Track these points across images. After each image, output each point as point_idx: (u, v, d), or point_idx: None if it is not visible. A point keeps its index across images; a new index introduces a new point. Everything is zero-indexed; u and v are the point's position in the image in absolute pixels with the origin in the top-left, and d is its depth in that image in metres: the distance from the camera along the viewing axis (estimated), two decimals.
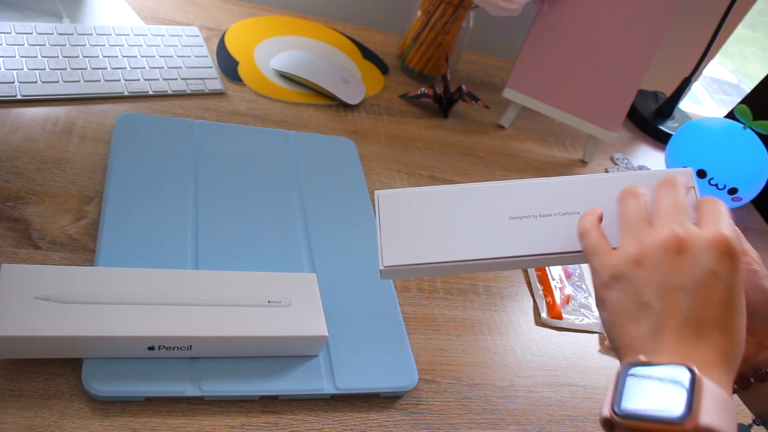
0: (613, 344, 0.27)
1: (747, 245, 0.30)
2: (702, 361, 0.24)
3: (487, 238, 0.29)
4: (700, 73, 0.77)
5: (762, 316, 0.29)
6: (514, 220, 0.30)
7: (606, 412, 0.24)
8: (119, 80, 0.49)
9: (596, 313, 0.49)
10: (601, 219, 0.30)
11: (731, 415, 0.23)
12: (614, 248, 0.28)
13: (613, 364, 0.46)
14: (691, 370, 0.23)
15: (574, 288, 0.50)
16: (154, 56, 0.52)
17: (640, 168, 0.69)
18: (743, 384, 0.30)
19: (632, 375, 0.24)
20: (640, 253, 0.27)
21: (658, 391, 0.23)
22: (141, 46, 0.52)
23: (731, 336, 0.25)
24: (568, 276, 0.51)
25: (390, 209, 0.30)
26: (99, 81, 0.48)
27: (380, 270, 0.30)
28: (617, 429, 0.24)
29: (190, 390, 0.32)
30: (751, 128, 0.61)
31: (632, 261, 0.27)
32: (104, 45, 0.51)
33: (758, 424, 0.30)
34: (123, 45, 0.52)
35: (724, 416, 0.23)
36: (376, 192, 0.31)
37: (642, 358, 0.25)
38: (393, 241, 0.30)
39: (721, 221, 0.27)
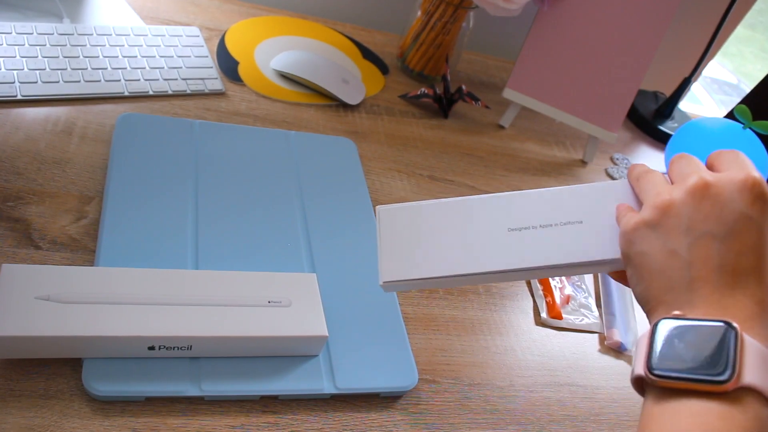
0: (641, 300, 0.26)
1: None
2: (740, 313, 0.23)
3: (487, 251, 0.29)
4: (700, 73, 0.77)
5: None
6: (514, 232, 0.29)
7: (640, 370, 0.23)
8: (119, 80, 0.49)
9: (596, 313, 0.49)
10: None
11: None
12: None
13: (613, 364, 0.46)
14: (731, 326, 0.22)
15: (574, 288, 0.50)
16: (155, 56, 0.52)
17: None
18: None
19: (667, 331, 0.23)
20: (665, 201, 0.25)
21: (696, 348, 0.22)
22: (141, 46, 0.52)
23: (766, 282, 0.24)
24: (568, 276, 0.51)
25: (390, 224, 0.30)
26: (99, 81, 0.48)
27: (380, 285, 0.30)
28: (649, 388, 0.23)
29: (190, 390, 0.32)
30: (750, 128, 0.61)
31: (658, 209, 0.25)
32: (104, 45, 0.51)
33: None
34: (123, 45, 0.52)
35: (766, 373, 0.22)
36: (377, 207, 0.31)
37: (676, 312, 0.23)
38: (393, 256, 0.30)
39: (747, 165, 0.25)
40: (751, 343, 0.22)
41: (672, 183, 0.27)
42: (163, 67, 0.52)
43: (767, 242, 0.24)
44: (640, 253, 0.25)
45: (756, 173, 0.25)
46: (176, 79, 0.51)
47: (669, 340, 0.23)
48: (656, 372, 0.23)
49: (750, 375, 0.21)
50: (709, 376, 0.22)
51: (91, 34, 0.51)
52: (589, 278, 0.52)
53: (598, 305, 0.49)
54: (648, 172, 0.28)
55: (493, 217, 0.30)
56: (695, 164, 0.27)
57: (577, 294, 0.49)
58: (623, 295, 0.51)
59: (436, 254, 0.29)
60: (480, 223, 0.30)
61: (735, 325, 0.22)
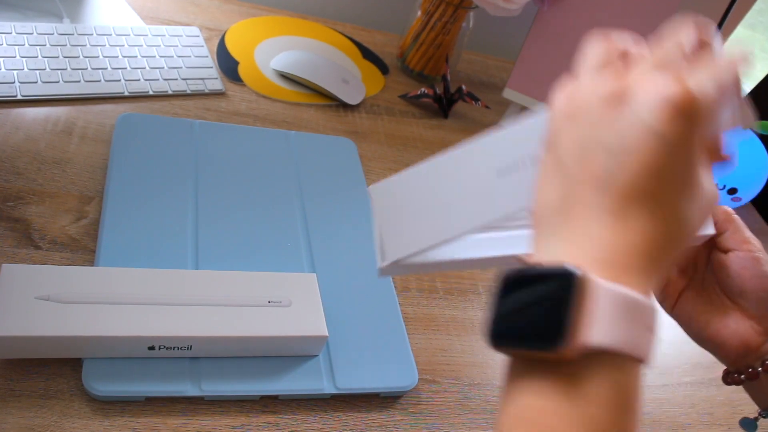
0: (532, 215, 0.21)
1: (748, 233, 0.29)
2: (615, 248, 0.18)
3: (481, 202, 0.26)
4: None
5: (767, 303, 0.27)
6: (504, 176, 0.26)
7: (484, 331, 0.18)
8: (119, 80, 0.49)
9: None
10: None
11: (642, 323, 0.17)
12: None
13: None
14: (568, 274, 0.17)
15: None
16: (155, 56, 0.52)
17: None
18: (750, 375, 0.27)
19: (509, 280, 0.18)
20: (576, 103, 0.20)
21: (531, 305, 0.17)
22: (141, 46, 0.52)
23: (666, 217, 0.19)
24: None
25: (384, 200, 0.28)
26: (99, 81, 0.48)
27: (379, 268, 0.28)
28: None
29: (190, 390, 0.32)
30: (750, 128, 0.61)
31: (566, 114, 0.20)
32: (104, 45, 0.51)
33: (765, 417, 0.29)
34: (123, 45, 0.52)
35: (628, 327, 0.17)
36: (369, 188, 0.29)
37: (525, 257, 0.19)
38: (392, 233, 0.28)
39: (703, 74, 0.19)
40: (606, 292, 0.17)
41: (595, 68, 0.21)
42: (163, 67, 0.52)
43: (680, 168, 0.19)
44: (543, 159, 0.21)
45: (698, 86, 0.19)
46: (176, 79, 0.51)
47: (508, 293, 0.18)
48: (492, 337, 0.18)
49: (598, 333, 0.16)
50: (541, 343, 0.17)
51: (91, 34, 0.51)
52: None
53: None
54: (597, 41, 0.22)
55: (479, 167, 0.26)
56: (659, 56, 0.20)
57: None
58: None
59: (436, 220, 0.27)
60: (469, 175, 0.27)
61: (573, 270, 0.17)
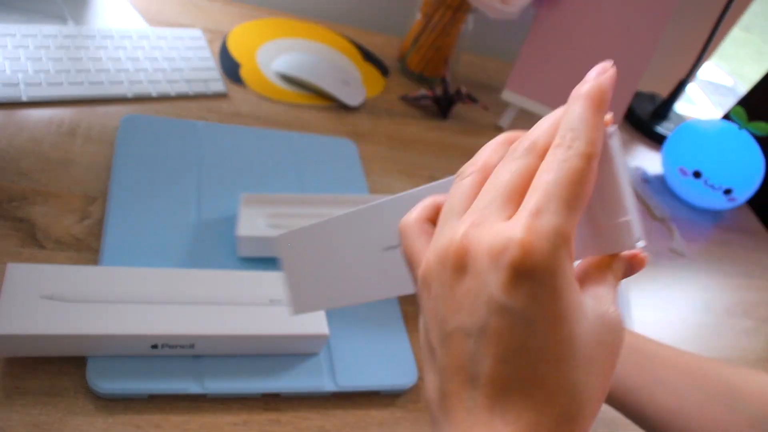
0: None
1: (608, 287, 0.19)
2: None
3: (374, 276, 0.24)
4: (696, 75, 0.78)
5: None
6: (390, 251, 0.23)
7: None
8: (123, 82, 0.50)
9: None
10: (435, 210, 0.20)
11: None
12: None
13: None
14: None
15: None
16: (158, 59, 0.53)
17: (637, 169, 0.70)
18: None
19: None
20: (426, 267, 0.18)
21: None
22: (144, 48, 0.53)
23: (550, 396, 0.16)
24: None
25: (291, 250, 0.27)
26: (103, 83, 0.49)
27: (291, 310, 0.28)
28: None
29: (192, 387, 0.33)
30: (746, 129, 0.62)
31: (422, 278, 0.18)
32: (108, 47, 0.51)
33: None
34: (126, 47, 0.52)
35: None
36: (276, 236, 0.27)
37: None
38: (299, 285, 0.27)
39: (527, 209, 0.16)
40: None
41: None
42: (165, 69, 0.52)
43: (542, 342, 0.16)
44: (419, 329, 0.19)
45: (527, 229, 0.16)
46: (179, 81, 0.52)
47: None
48: None
49: None
50: None
51: (95, 37, 0.52)
52: None
53: None
54: (460, 175, 0.19)
55: (368, 234, 0.24)
56: (466, 195, 0.18)
57: None
58: (621, 294, 0.51)
59: (342, 283, 0.26)
60: (362, 241, 0.24)
61: None
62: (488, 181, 0.18)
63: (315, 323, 0.35)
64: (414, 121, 0.61)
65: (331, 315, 0.37)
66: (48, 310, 0.31)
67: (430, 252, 0.18)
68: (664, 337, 0.51)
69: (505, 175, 0.18)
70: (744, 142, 0.62)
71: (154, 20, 0.58)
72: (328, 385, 0.35)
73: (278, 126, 0.53)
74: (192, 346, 0.33)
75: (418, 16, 0.63)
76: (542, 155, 0.18)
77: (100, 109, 0.48)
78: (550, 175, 0.16)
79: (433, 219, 0.20)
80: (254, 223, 0.40)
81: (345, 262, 0.25)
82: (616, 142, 0.18)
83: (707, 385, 0.30)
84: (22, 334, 0.30)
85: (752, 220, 0.70)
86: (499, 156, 0.19)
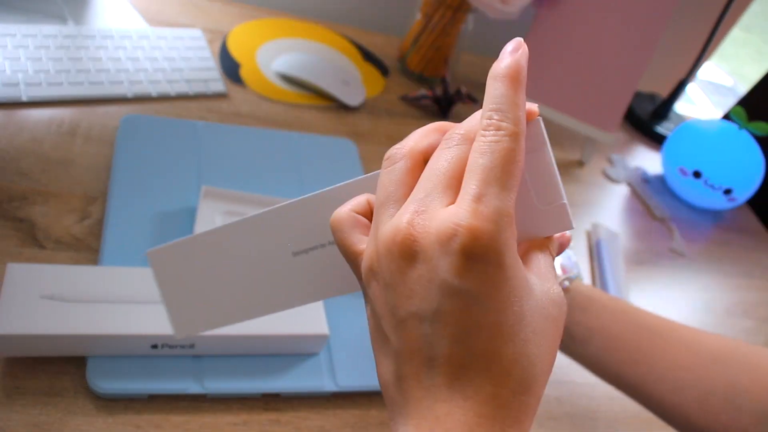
0: None
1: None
2: (459, 425, 0.16)
3: (277, 286, 0.23)
4: (696, 75, 0.78)
5: None
6: (300, 256, 0.22)
7: None
8: (123, 82, 0.50)
9: None
10: (367, 204, 0.20)
11: None
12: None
13: None
14: None
15: None
16: (157, 59, 0.53)
17: (637, 169, 0.70)
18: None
19: None
20: (371, 256, 0.18)
21: None
22: (144, 48, 0.53)
23: (506, 368, 0.17)
24: (565, 273, 0.51)
25: (167, 268, 0.24)
26: (103, 83, 0.49)
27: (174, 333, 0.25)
28: None
29: (193, 387, 0.33)
30: (746, 129, 0.62)
31: (367, 268, 0.18)
32: (108, 47, 0.51)
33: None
34: (126, 47, 0.52)
35: None
36: (147, 252, 0.24)
37: None
38: (180, 306, 0.24)
39: (469, 193, 0.17)
40: None
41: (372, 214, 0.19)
42: (165, 69, 0.52)
43: (493, 320, 0.17)
44: (367, 319, 0.19)
45: (474, 212, 0.16)
46: (179, 81, 0.52)
47: None
48: None
49: None
50: None
51: (95, 37, 0.52)
52: (587, 277, 0.52)
53: None
54: (389, 160, 0.20)
55: (274, 239, 0.22)
56: (401, 182, 0.19)
57: None
58: (620, 294, 0.51)
59: (232, 294, 0.23)
60: (262, 248, 0.23)
61: None
62: (426, 169, 0.19)
63: (315, 323, 0.35)
64: (414, 121, 0.61)
65: (331, 315, 0.37)
66: (48, 310, 0.31)
67: (374, 241, 0.18)
68: None
69: (443, 163, 0.18)
70: (744, 142, 0.62)
71: (154, 20, 0.58)
72: (328, 385, 0.35)
73: (278, 126, 0.53)
74: (192, 346, 0.33)
75: (418, 16, 0.63)
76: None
77: (100, 109, 0.48)
78: (485, 158, 0.17)
79: (364, 213, 0.20)
80: (212, 220, 0.40)
81: (240, 274, 0.23)
82: (544, 130, 0.19)
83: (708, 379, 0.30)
84: (22, 334, 0.30)
85: (752, 220, 0.70)
86: (427, 142, 0.20)
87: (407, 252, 0.17)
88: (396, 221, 0.18)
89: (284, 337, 0.34)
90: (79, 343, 0.31)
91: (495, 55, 0.20)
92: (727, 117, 0.75)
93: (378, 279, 0.18)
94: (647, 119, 0.76)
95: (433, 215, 0.17)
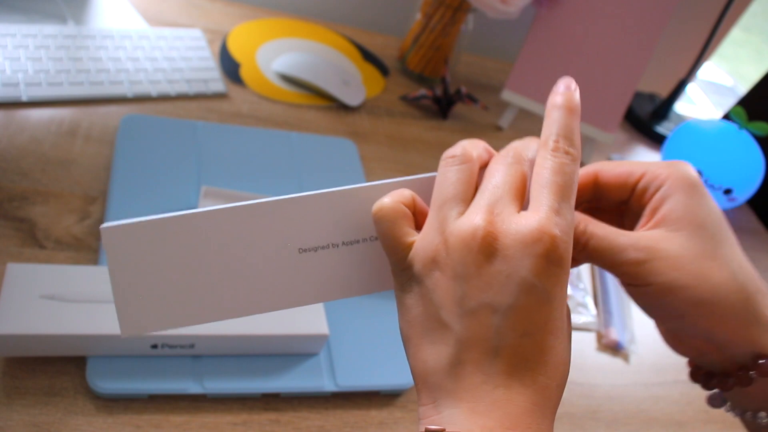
0: (411, 369, 0.20)
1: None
2: (516, 409, 0.17)
3: (272, 285, 0.21)
4: (696, 75, 0.78)
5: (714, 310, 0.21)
6: (307, 254, 0.21)
7: None
8: (123, 82, 0.50)
9: (593, 311, 0.49)
10: (412, 199, 0.21)
11: None
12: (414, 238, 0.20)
13: (610, 362, 0.46)
14: None
15: (572, 286, 0.50)
16: (158, 59, 0.53)
17: None
18: (740, 380, 0.22)
19: None
20: (438, 248, 0.19)
21: None
22: (144, 48, 0.53)
23: (556, 365, 0.19)
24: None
25: (125, 249, 0.20)
26: (103, 83, 0.49)
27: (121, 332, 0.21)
28: None
29: (192, 387, 0.33)
30: (746, 129, 0.62)
31: (430, 258, 0.19)
32: (108, 47, 0.51)
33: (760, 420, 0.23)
34: (126, 47, 0.52)
35: None
36: (101, 227, 0.20)
37: (432, 427, 0.18)
38: (134, 297, 0.20)
39: (547, 205, 0.19)
40: None
41: (442, 216, 0.20)
42: (165, 69, 0.52)
43: (558, 316, 0.19)
44: (412, 306, 0.20)
45: (551, 221, 0.18)
46: (179, 81, 0.52)
47: None
48: None
49: None
50: None
51: (95, 37, 0.52)
52: (587, 276, 0.52)
53: (596, 304, 0.50)
54: (452, 161, 0.21)
55: (277, 232, 0.20)
56: (468, 183, 0.20)
57: (574, 292, 0.50)
58: (620, 294, 0.51)
59: (202, 291, 0.20)
60: (260, 240, 0.20)
61: None
62: (488, 178, 0.21)
63: (315, 323, 0.35)
64: (414, 121, 0.61)
65: (331, 315, 0.37)
66: (48, 310, 0.31)
67: (440, 234, 0.19)
68: None
69: (505, 176, 0.20)
70: (744, 142, 0.62)
71: (154, 20, 0.58)
72: (327, 385, 0.35)
73: (278, 126, 0.53)
74: (192, 345, 0.33)
75: (418, 16, 0.63)
76: (529, 164, 0.21)
77: (101, 109, 0.48)
78: (559, 177, 0.20)
79: (409, 206, 0.21)
80: None
81: (224, 267, 0.20)
82: None
83: None
84: (22, 334, 0.30)
85: (752, 220, 0.70)
86: (477, 150, 0.22)
87: (488, 248, 0.19)
88: (472, 219, 0.19)
89: (284, 337, 0.34)
90: (79, 343, 0.31)
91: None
92: (727, 117, 0.75)
93: (444, 270, 0.19)
94: (647, 119, 0.76)
95: (512, 219, 0.19)
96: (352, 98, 0.58)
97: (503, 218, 0.19)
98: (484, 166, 0.22)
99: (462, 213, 0.20)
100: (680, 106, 0.81)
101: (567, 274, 0.19)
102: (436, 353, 0.19)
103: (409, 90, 0.64)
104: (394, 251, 0.20)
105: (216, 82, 0.53)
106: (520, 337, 0.18)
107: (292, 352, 0.36)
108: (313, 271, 0.21)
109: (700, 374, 0.24)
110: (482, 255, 0.18)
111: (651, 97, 0.80)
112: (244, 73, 0.57)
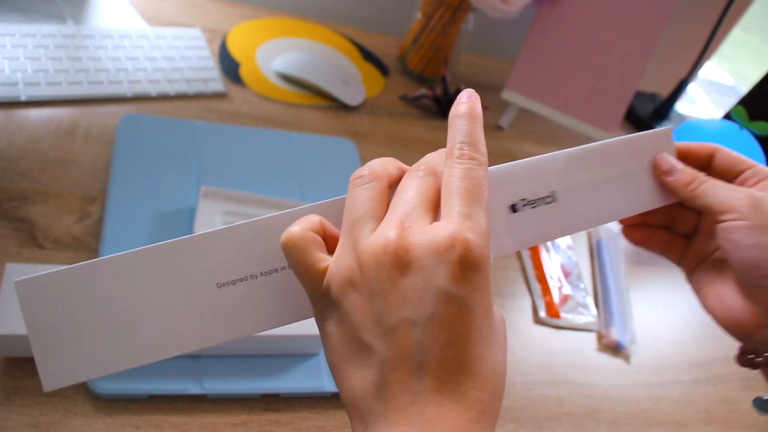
0: (341, 396, 0.19)
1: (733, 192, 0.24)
2: (449, 429, 0.17)
3: (194, 321, 0.20)
4: (697, 74, 0.78)
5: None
6: (225, 288, 0.20)
7: None
8: (122, 82, 0.50)
9: (594, 311, 0.49)
10: (320, 224, 0.21)
11: None
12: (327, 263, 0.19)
13: (611, 362, 0.46)
14: None
15: (572, 287, 0.50)
16: (157, 58, 0.53)
17: None
18: (753, 364, 0.24)
19: None
20: (352, 268, 0.19)
21: None
22: (143, 48, 0.53)
23: (488, 376, 0.18)
24: (566, 275, 0.51)
25: (41, 301, 0.19)
26: (102, 83, 0.49)
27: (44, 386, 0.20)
28: None
29: (192, 388, 0.33)
30: (747, 129, 0.62)
31: (345, 280, 0.19)
32: (107, 47, 0.51)
33: None
34: (126, 47, 0.52)
35: None
36: (15, 281, 0.19)
37: None
38: (52, 351, 0.19)
39: (458, 211, 0.18)
40: None
41: (351, 228, 0.19)
42: (165, 69, 0.52)
43: (480, 326, 0.18)
44: (333, 334, 0.19)
45: (464, 225, 0.18)
46: (178, 81, 0.52)
47: None
48: None
49: None
50: None
51: (94, 36, 0.52)
52: (587, 277, 0.52)
53: (596, 304, 0.50)
54: (359, 180, 0.21)
55: (192, 270, 0.20)
56: (378, 201, 0.20)
57: (575, 293, 0.50)
58: (621, 294, 0.51)
59: (120, 336, 0.20)
60: (176, 279, 0.20)
61: None
62: (399, 192, 0.20)
63: (315, 323, 0.35)
64: (414, 120, 0.60)
65: None
66: None
67: (353, 254, 0.19)
68: (665, 337, 0.51)
69: (416, 189, 0.20)
70: (745, 141, 0.62)
71: (153, 20, 0.58)
72: (327, 386, 0.35)
73: (278, 126, 0.53)
74: None
75: (418, 16, 0.63)
76: (438, 176, 0.21)
77: (100, 109, 0.48)
78: (465, 183, 0.19)
79: (317, 232, 0.20)
80: (212, 220, 0.40)
81: (145, 309, 0.20)
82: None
83: None
84: (22, 334, 0.30)
85: None
86: (386, 169, 0.21)
87: (400, 261, 0.18)
88: (383, 234, 0.19)
89: (284, 338, 0.34)
90: None
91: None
92: (728, 117, 0.75)
93: (360, 289, 0.18)
94: (648, 119, 0.76)
95: (423, 230, 0.19)
96: (352, 98, 0.58)
97: (414, 230, 0.18)
98: (396, 184, 0.21)
99: (374, 230, 0.19)
100: (681, 106, 0.81)
101: (487, 279, 0.18)
102: (362, 377, 0.18)
103: (409, 90, 0.64)
104: (309, 279, 0.20)
105: (215, 82, 0.53)
106: (444, 349, 0.17)
107: (291, 352, 0.36)
108: (235, 304, 0.21)
109: (745, 358, 0.25)
110: (396, 269, 0.18)
111: (652, 96, 0.80)
112: (244, 72, 0.57)
